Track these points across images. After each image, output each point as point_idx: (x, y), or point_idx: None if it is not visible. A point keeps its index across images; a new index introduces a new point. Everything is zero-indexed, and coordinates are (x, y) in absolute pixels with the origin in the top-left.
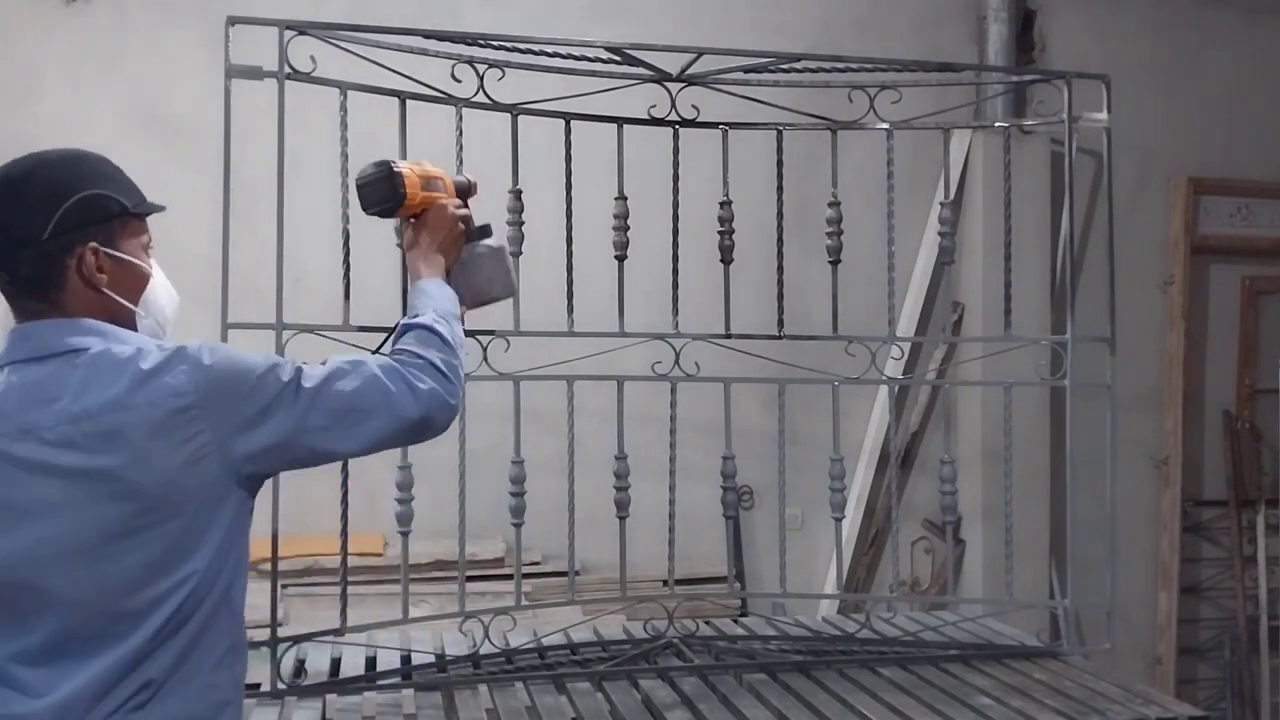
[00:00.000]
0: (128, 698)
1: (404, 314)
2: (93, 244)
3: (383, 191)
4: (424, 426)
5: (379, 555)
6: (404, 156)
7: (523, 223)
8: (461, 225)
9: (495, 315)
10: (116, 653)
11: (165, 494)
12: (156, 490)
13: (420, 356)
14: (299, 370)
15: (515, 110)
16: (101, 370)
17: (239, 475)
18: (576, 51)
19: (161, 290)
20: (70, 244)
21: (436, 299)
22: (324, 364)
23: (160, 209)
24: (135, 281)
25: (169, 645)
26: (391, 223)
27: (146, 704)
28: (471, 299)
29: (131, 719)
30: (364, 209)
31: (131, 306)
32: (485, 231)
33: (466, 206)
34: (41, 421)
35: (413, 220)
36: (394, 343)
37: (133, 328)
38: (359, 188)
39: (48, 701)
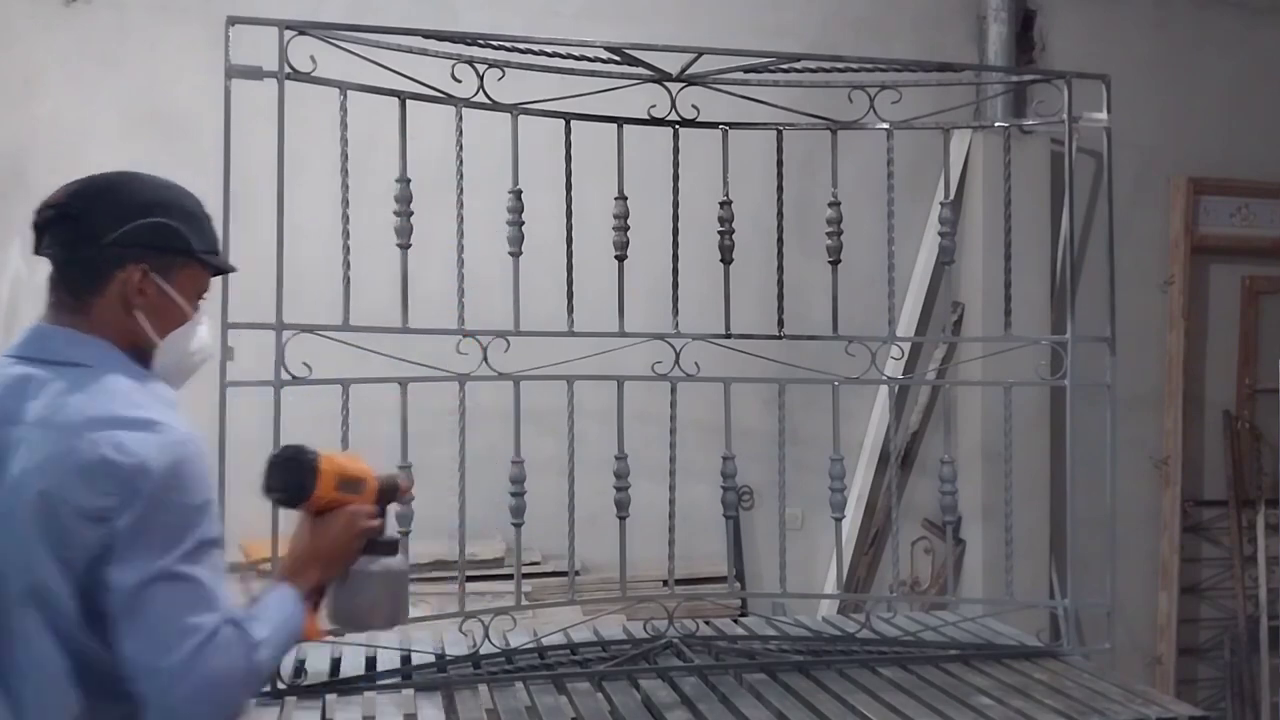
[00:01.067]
0: None
1: (403, 319)
2: (144, 265)
3: (288, 478)
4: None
5: None
6: (403, 157)
7: (523, 223)
8: (360, 543)
9: (495, 315)
10: None
11: (46, 520)
12: (42, 513)
13: (218, 675)
14: (192, 556)
15: (515, 110)
16: (87, 389)
17: (89, 565)
18: (576, 51)
19: (194, 339)
20: (125, 257)
21: (280, 621)
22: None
23: (230, 270)
24: (170, 319)
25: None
26: (392, 222)
27: None
28: (345, 619)
29: None
30: (264, 490)
31: (155, 338)
32: (390, 548)
33: (383, 513)
34: (15, 417)
35: (314, 514)
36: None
37: (148, 360)
38: (269, 463)
39: None
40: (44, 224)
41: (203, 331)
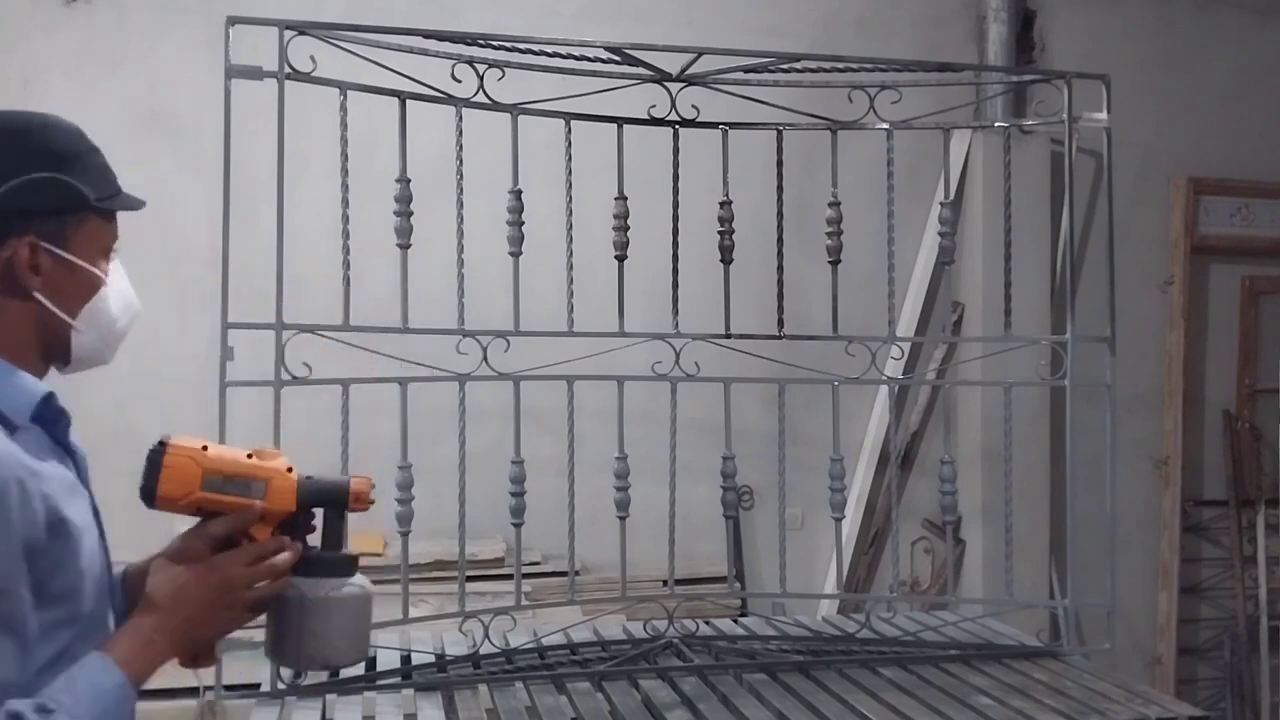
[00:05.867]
0: None
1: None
2: (31, 238)
3: (145, 473)
4: None
5: (379, 555)
6: (403, 157)
7: (523, 223)
8: (236, 599)
9: (495, 315)
10: None
11: None
12: None
13: None
14: None
15: (515, 110)
16: None
17: None
18: (576, 51)
19: (116, 301)
20: (3, 235)
21: (88, 701)
22: None
23: (137, 205)
24: (80, 289)
25: None
26: (392, 222)
27: None
28: (280, 656)
29: None
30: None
31: (68, 319)
32: (341, 567)
33: (339, 522)
34: None
35: (201, 519)
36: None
37: (67, 343)
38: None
39: None
40: None
41: (122, 288)
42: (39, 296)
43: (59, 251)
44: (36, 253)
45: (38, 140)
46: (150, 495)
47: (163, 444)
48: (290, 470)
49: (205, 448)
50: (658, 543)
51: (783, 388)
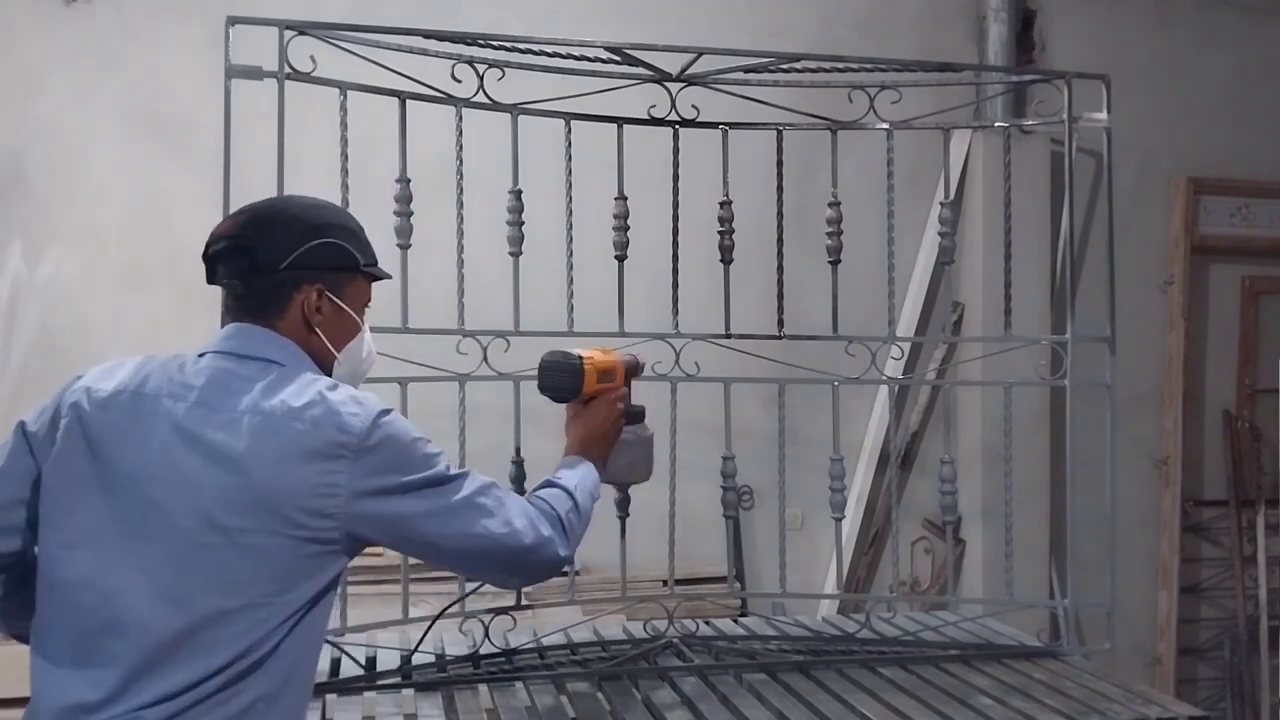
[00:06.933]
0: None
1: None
2: (319, 285)
3: (563, 381)
4: (524, 559)
5: (379, 555)
6: (403, 157)
7: (523, 223)
8: (621, 420)
9: (495, 315)
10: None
11: (275, 506)
12: (270, 499)
13: (552, 509)
14: (460, 474)
15: (515, 110)
16: (291, 382)
17: (348, 530)
18: (576, 51)
19: (365, 347)
20: (302, 279)
21: (583, 477)
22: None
23: (387, 276)
24: (345, 331)
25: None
26: (392, 222)
27: None
28: (612, 478)
29: None
30: (539, 388)
31: (334, 351)
32: (638, 415)
33: (628, 386)
34: (221, 405)
35: (582, 404)
36: (534, 492)
37: (328, 372)
38: (541, 367)
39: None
40: (216, 256)
41: (369, 338)
42: (319, 332)
43: (336, 300)
44: (322, 297)
45: (328, 216)
46: (574, 392)
47: (579, 358)
48: (620, 360)
49: (589, 357)
50: (658, 543)
51: (783, 388)
